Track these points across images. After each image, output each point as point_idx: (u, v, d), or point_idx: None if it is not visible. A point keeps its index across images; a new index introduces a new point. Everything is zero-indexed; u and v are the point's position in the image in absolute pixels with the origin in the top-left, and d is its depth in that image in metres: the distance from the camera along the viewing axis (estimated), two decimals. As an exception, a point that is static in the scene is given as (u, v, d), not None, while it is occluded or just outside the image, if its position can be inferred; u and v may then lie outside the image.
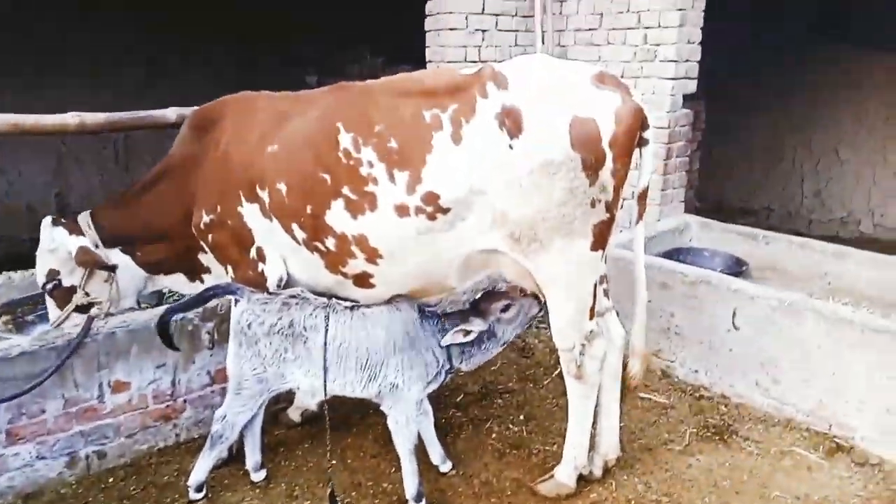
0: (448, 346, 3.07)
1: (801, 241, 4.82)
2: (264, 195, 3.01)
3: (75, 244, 3.27)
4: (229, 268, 3.25)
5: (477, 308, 3.11)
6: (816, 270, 4.64)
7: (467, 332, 2.99)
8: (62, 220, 3.38)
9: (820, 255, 4.64)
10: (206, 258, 3.42)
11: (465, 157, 2.68)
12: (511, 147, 2.65)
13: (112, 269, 3.35)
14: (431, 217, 2.75)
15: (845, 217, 7.71)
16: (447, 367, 3.09)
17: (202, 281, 3.52)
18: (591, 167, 2.64)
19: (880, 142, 7.31)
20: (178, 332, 3.41)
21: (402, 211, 2.76)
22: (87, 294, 3.32)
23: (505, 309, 3.08)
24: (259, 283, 3.13)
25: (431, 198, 2.72)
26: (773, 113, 8.03)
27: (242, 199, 3.07)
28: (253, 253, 3.15)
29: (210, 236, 3.21)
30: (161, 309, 3.49)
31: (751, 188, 8.50)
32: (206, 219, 3.17)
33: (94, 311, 3.33)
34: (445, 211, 2.74)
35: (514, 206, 2.71)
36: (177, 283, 3.59)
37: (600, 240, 2.80)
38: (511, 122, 2.63)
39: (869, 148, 7.40)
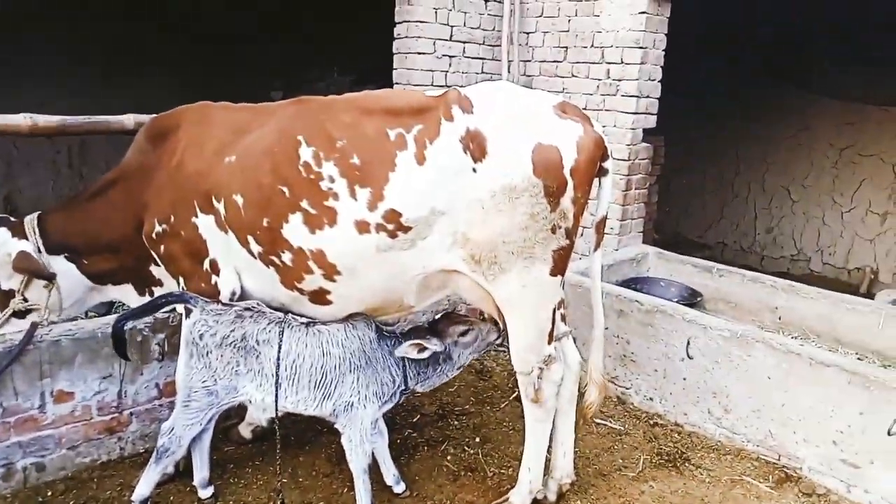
0: (404, 367, 3.05)
1: (753, 275, 4.95)
2: (220, 207, 2.95)
3: (15, 248, 3.18)
4: (181, 279, 3.16)
5: (435, 329, 3.10)
6: (767, 304, 4.77)
7: (422, 348, 2.97)
8: (8, 220, 3.28)
9: (771, 290, 4.76)
10: (158, 271, 3.33)
11: (428, 178, 2.69)
12: (474, 170, 2.68)
13: (50, 278, 3.23)
14: (392, 235, 2.74)
15: (795, 255, 7.96)
16: (402, 387, 3.07)
17: (151, 294, 3.42)
18: (553, 194, 2.68)
19: (829, 184, 7.60)
20: (128, 342, 3.31)
21: (362, 227, 2.74)
22: (24, 300, 3.22)
23: (464, 333, 3.09)
24: (212, 296, 3.05)
25: (393, 216, 2.71)
26: (729, 151, 8.29)
27: (197, 209, 3.01)
28: (206, 265, 3.07)
29: (162, 247, 3.13)
30: (109, 318, 3.39)
31: (706, 223, 8.73)
32: (158, 228, 3.09)
33: (34, 317, 3.22)
34: (407, 229, 2.73)
35: (476, 228, 2.73)
36: (126, 294, 3.49)
37: (560, 265, 2.83)
38: (475, 146, 2.66)
39: (819, 189, 7.68)
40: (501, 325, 3.05)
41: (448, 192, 2.70)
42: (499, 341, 3.17)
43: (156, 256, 3.21)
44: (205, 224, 3.02)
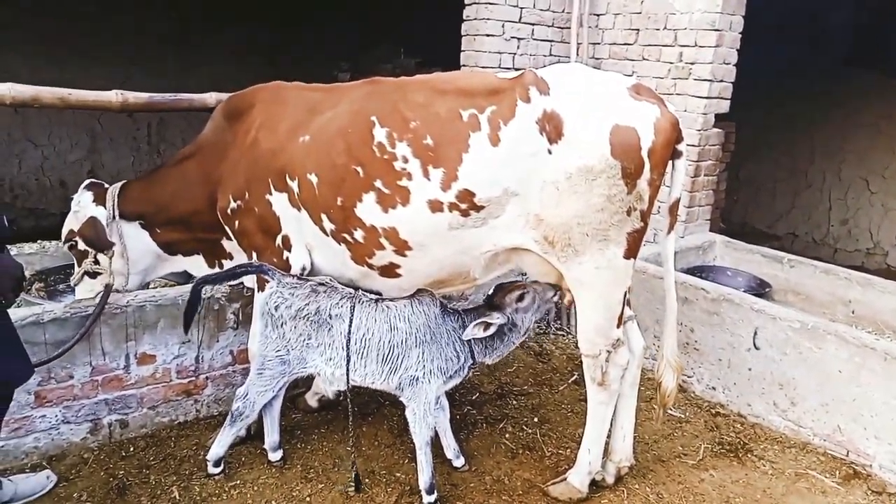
0: (469, 342, 3.10)
1: (825, 266, 4.79)
2: (294, 185, 3.04)
3: (91, 213, 3.38)
4: (254, 254, 3.28)
5: (492, 303, 3.13)
6: (840, 297, 4.62)
7: (487, 325, 3.01)
8: (95, 185, 3.50)
9: (845, 282, 4.61)
10: (230, 245, 3.46)
11: (503, 159, 2.71)
12: (550, 152, 2.69)
13: (103, 248, 3.36)
14: (465, 214, 2.79)
15: (871, 248, 7.63)
16: (469, 362, 3.12)
17: (221, 266, 3.55)
18: (630, 175, 2.67)
19: (911, 175, 7.25)
20: (202, 311, 3.48)
21: (435, 206, 2.79)
22: (96, 262, 3.39)
23: (521, 298, 3.09)
24: (281, 268, 3.16)
25: (466, 195, 2.75)
26: (803, 139, 7.98)
27: (271, 187, 3.10)
28: (279, 241, 3.18)
29: (236, 222, 3.25)
30: (189, 286, 3.56)
31: (777, 213, 8.45)
32: (233, 204, 3.21)
33: (106, 279, 3.35)
34: (479, 208, 2.77)
35: (550, 210, 2.75)
36: (196, 265, 3.62)
37: (633, 248, 2.83)
38: (552, 128, 2.67)
39: (899, 180, 7.34)
40: (557, 287, 3.06)
41: (522, 173, 2.72)
42: (556, 298, 3.16)
43: (229, 231, 3.34)
44: (278, 201, 3.11)
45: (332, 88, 3.21)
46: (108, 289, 3.31)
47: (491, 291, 3.17)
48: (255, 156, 3.12)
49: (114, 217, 3.38)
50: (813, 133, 7.89)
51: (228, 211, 3.24)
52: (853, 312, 4.54)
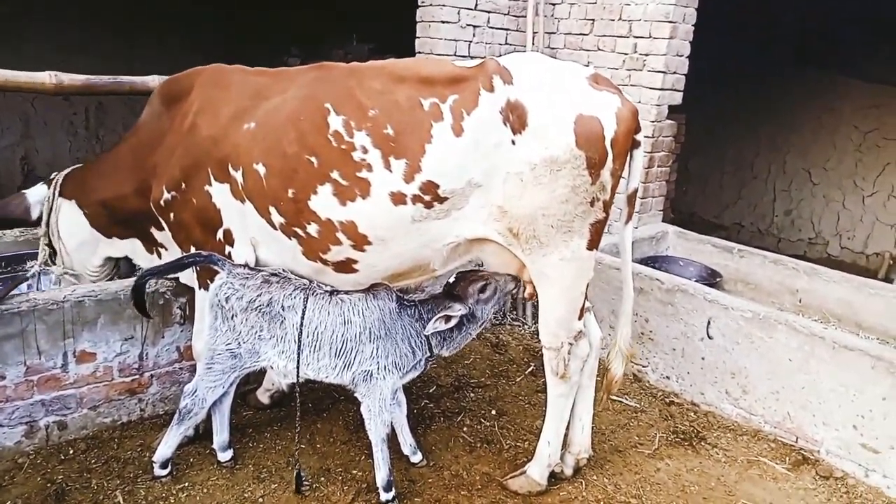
0: (426, 336, 3.03)
1: (774, 256, 4.90)
2: (238, 175, 2.86)
3: (29, 190, 3.46)
4: (192, 249, 3.09)
5: (453, 293, 3.06)
6: (788, 286, 4.73)
7: (449, 318, 2.95)
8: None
9: (792, 272, 4.72)
10: (161, 235, 3.27)
11: (466, 150, 2.64)
12: (514, 142, 2.64)
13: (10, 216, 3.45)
14: (428, 205, 2.70)
15: (813, 238, 7.88)
16: (427, 355, 3.05)
17: (159, 255, 3.38)
18: (594, 165, 2.64)
19: (851, 167, 7.49)
20: (149, 304, 3.32)
21: (398, 199, 2.69)
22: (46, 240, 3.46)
23: (482, 289, 3.04)
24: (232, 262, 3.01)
25: (430, 187, 2.67)
26: (750, 132, 8.18)
27: (211, 177, 2.92)
28: (220, 235, 3.00)
29: (171, 214, 3.05)
30: (132, 280, 3.40)
31: (723, 203, 8.65)
32: (167, 195, 3.02)
33: (41, 258, 3.46)
34: (443, 200, 2.70)
35: (514, 202, 2.69)
36: (134, 250, 3.45)
37: (595, 239, 2.81)
38: (515, 118, 2.62)
39: (840, 172, 7.58)
40: (518, 278, 3.02)
41: (486, 165, 2.66)
42: (516, 291, 3.13)
43: (164, 223, 3.15)
44: (219, 192, 2.93)
45: (279, 73, 3.03)
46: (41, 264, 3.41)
47: (451, 280, 3.10)
48: (194, 143, 2.93)
49: (54, 195, 3.35)
50: (759, 127, 8.09)
51: (162, 202, 3.04)
52: (800, 301, 4.65)
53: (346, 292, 3.00)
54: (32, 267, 3.55)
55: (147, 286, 3.09)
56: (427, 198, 2.68)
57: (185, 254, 3.06)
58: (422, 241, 2.80)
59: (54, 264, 3.50)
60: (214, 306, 2.91)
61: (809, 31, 7.33)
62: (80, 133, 8.10)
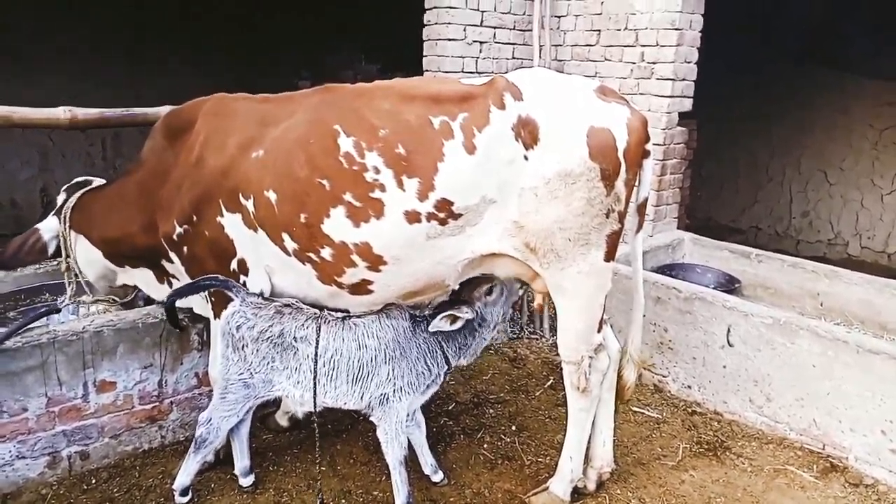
0: (442, 349, 3.02)
1: (793, 260, 4.83)
2: (249, 204, 2.85)
3: (43, 223, 3.43)
4: None
5: (459, 298, 3.03)
6: (808, 290, 4.66)
7: (455, 319, 2.92)
8: (70, 189, 3.52)
9: (812, 275, 4.65)
10: (172, 267, 3.26)
11: (479, 167, 2.63)
12: (526, 158, 2.64)
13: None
14: (443, 222, 2.70)
15: (832, 239, 7.78)
16: (444, 368, 3.03)
17: (170, 284, 3.36)
18: (608, 177, 2.64)
19: (868, 166, 7.40)
20: (164, 334, 3.36)
21: (412, 217, 2.68)
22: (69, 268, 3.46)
23: (489, 291, 3.02)
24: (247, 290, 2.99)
25: (444, 204, 2.66)
26: (763, 135, 8.11)
27: (222, 208, 2.90)
28: (234, 265, 2.99)
29: (185, 248, 3.04)
30: (149, 308, 3.45)
31: (739, 207, 8.57)
32: (179, 230, 3.01)
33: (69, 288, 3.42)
34: (457, 216, 2.69)
35: (530, 217, 2.69)
36: (144, 280, 3.44)
37: (612, 250, 2.79)
38: (527, 133, 2.62)
39: (857, 171, 7.48)
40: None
41: (499, 181, 2.65)
42: (522, 292, 3.12)
43: (176, 258, 3.14)
44: (231, 223, 2.92)
45: (283, 98, 3.02)
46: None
47: (456, 288, 3.07)
48: (202, 175, 2.92)
49: (67, 229, 3.34)
50: (772, 129, 8.02)
51: (174, 237, 3.03)
52: (822, 305, 4.58)
53: (359, 315, 2.99)
54: (63, 300, 3.54)
55: (175, 305, 3.11)
56: (442, 215, 2.68)
57: (202, 277, 3.03)
58: (437, 258, 2.79)
59: (85, 294, 3.51)
60: (226, 335, 2.91)
61: (819, 31, 7.28)
62: (98, 164, 8.22)
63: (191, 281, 3.05)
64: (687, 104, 5.07)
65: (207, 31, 8.55)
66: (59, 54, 7.58)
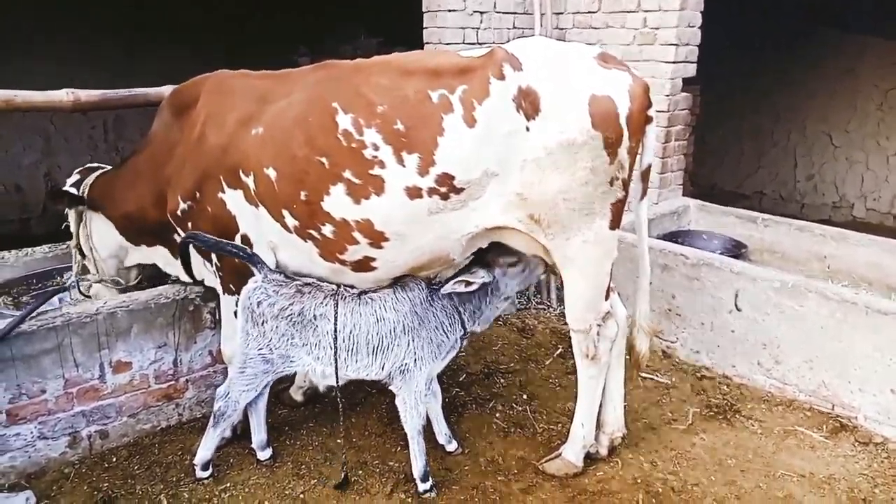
0: (460, 311, 3.04)
1: (799, 223, 4.83)
2: (249, 181, 2.87)
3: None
4: (213, 257, 3.12)
5: (482, 259, 3.04)
6: (815, 253, 4.67)
7: (468, 283, 2.94)
8: (83, 173, 3.62)
9: (819, 238, 4.66)
10: None
11: (480, 140, 2.62)
12: (528, 129, 2.62)
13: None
14: (445, 197, 2.69)
15: (837, 202, 7.77)
16: (461, 332, 3.06)
17: None
18: (611, 145, 2.63)
19: (873, 127, 7.35)
20: (177, 313, 3.40)
21: (413, 193, 2.68)
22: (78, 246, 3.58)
23: (513, 264, 3.04)
24: (246, 273, 3.00)
25: (445, 179, 2.66)
26: (766, 98, 8.05)
27: (224, 184, 2.93)
28: (237, 241, 3.01)
29: (189, 224, 3.07)
30: (161, 289, 3.47)
31: (744, 173, 8.54)
32: (183, 206, 3.04)
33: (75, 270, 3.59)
34: (459, 191, 2.69)
35: (533, 188, 2.68)
36: (161, 257, 3.48)
37: (617, 218, 2.79)
38: (528, 104, 2.60)
39: (862, 133, 7.44)
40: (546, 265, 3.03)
41: (501, 153, 2.64)
42: (544, 276, 3.12)
43: (182, 233, 3.16)
44: (233, 199, 2.94)
45: (283, 75, 3.03)
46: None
47: (485, 246, 3.04)
48: (203, 152, 2.95)
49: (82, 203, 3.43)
50: (775, 93, 7.96)
51: (179, 213, 3.07)
52: (829, 267, 4.59)
53: (375, 290, 3.02)
54: (69, 278, 3.65)
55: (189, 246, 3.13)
56: (443, 189, 2.67)
57: (229, 241, 2.99)
58: (440, 233, 2.79)
59: (89, 273, 3.57)
60: (246, 309, 2.94)
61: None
62: (101, 146, 8.20)
63: (220, 240, 2.97)
64: (691, 70, 5.02)
65: (204, 6, 8.44)
66: (59, 54, 7.53)
